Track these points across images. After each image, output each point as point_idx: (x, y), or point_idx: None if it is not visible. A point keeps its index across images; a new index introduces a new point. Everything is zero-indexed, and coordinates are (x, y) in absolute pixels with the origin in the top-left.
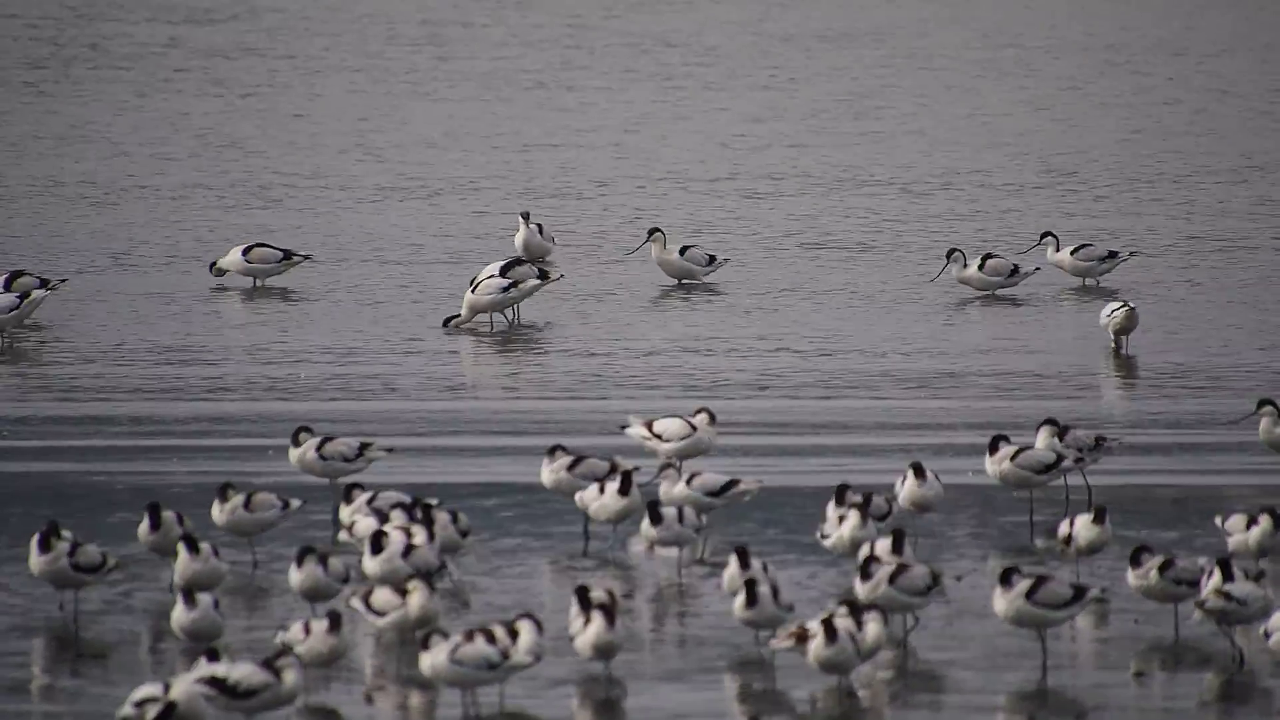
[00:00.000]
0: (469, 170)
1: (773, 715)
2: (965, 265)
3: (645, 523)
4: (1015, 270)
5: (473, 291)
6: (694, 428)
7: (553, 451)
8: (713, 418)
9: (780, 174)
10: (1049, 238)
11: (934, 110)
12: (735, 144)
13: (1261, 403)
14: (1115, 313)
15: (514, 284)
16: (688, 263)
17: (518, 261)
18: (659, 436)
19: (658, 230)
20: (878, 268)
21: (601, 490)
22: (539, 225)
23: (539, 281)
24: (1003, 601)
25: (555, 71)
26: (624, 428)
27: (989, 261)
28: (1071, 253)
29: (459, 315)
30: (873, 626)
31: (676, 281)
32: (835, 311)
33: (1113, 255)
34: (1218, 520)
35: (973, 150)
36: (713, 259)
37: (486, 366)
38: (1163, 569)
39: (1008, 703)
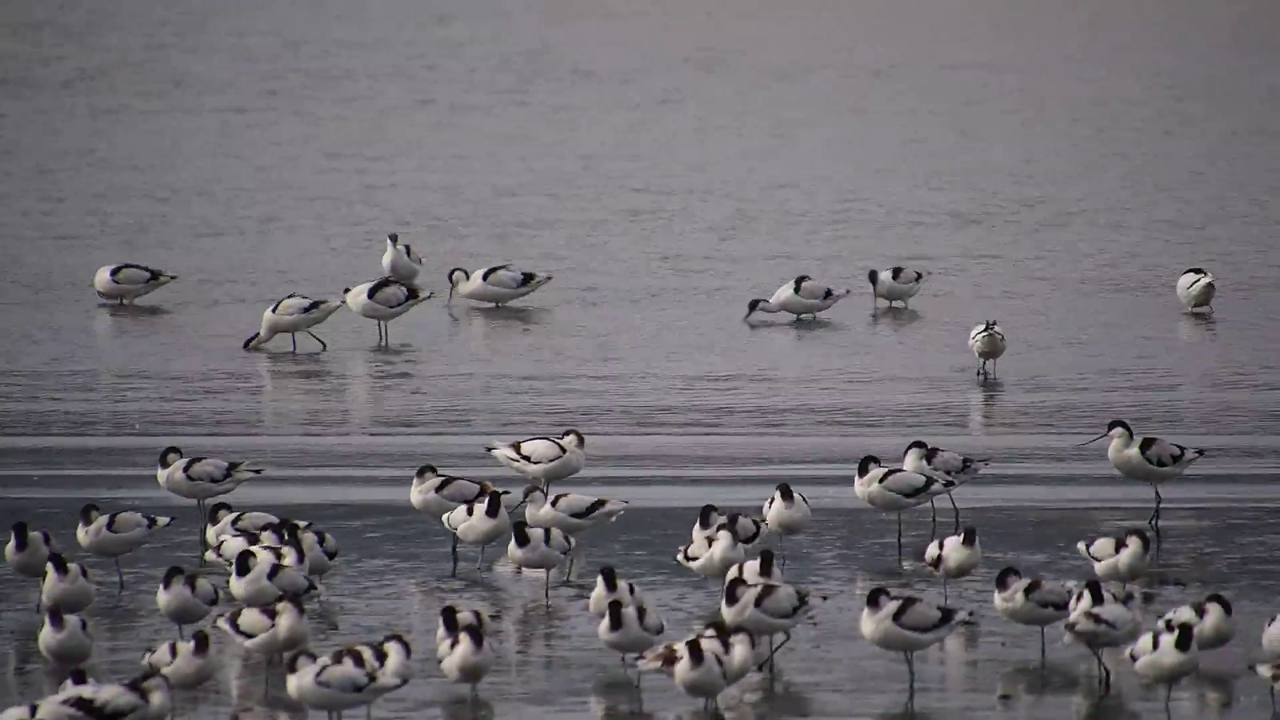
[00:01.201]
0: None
1: None
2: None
3: (512, 544)
4: (829, 293)
5: (273, 311)
6: (563, 449)
7: (422, 473)
8: (581, 439)
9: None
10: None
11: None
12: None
13: (1113, 424)
14: (978, 336)
15: (315, 305)
16: (493, 286)
17: (386, 283)
18: (527, 458)
19: (457, 270)
20: (734, 299)
21: (470, 511)
22: (407, 247)
23: (340, 303)
24: (870, 623)
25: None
26: (490, 450)
27: (805, 284)
28: (893, 276)
29: (259, 335)
30: (739, 649)
31: (494, 305)
32: (698, 337)
33: (919, 276)
34: (1081, 547)
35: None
36: (529, 278)
37: (351, 396)
38: (1029, 591)
39: None
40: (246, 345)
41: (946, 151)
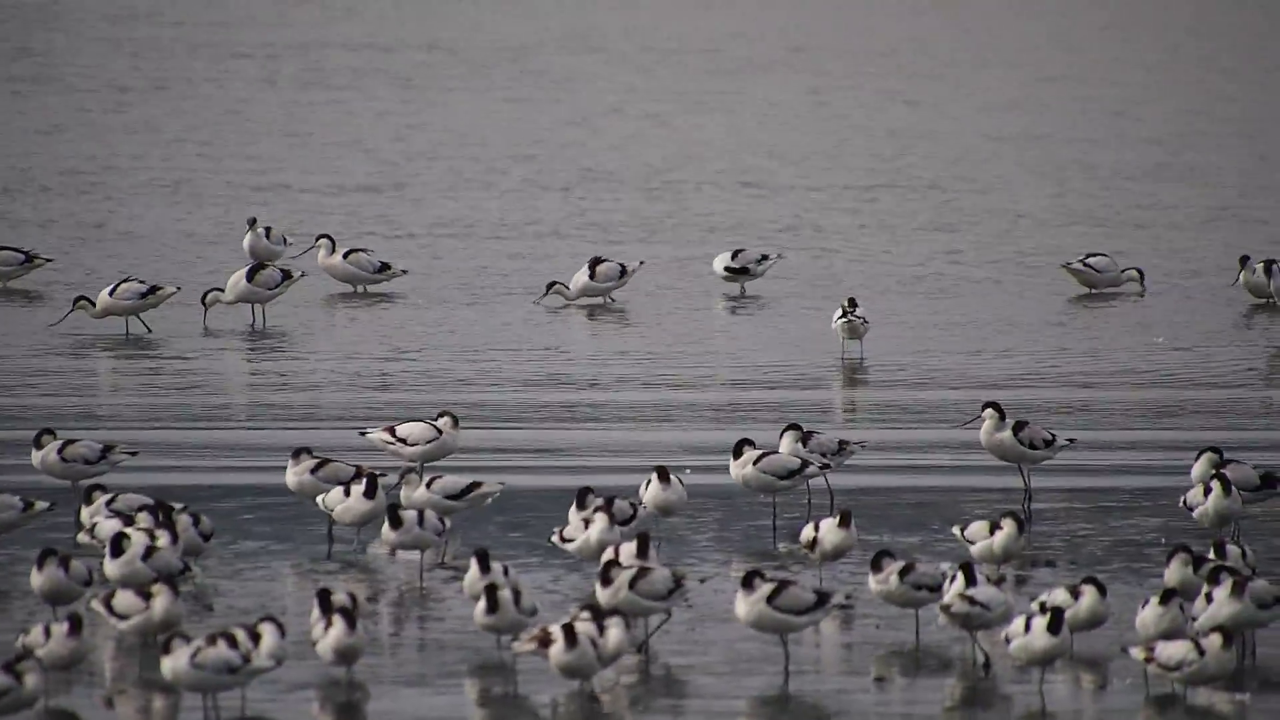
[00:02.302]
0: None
1: None
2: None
3: (386, 526)
4: (623, 271)
5: (110, 294)
6: (439, 431)
7: (297, 454)
8: (456, 421)
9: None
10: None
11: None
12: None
13: (985, 405)
14: (839, 320)
15: (152, 290)
16: (352, 267)
17: (261, 266)
18: (403, 440)
19: (324, 236)
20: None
21: (346, 493)
22: (267, 229)
23: (175, 290)
24: (744, 606)
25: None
26: (364, 433)
27: (600, 267)
28: (732, 257)
29: (81, 308)
30: (614, 631)
31: (353, 288)
32: (567, 320)
33: (764, 257)
34: (956, 530)
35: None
36: (385, 266)
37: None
38: (903, 574)
39: (749, 707)
40: (62, 319)
41: (852, 130)
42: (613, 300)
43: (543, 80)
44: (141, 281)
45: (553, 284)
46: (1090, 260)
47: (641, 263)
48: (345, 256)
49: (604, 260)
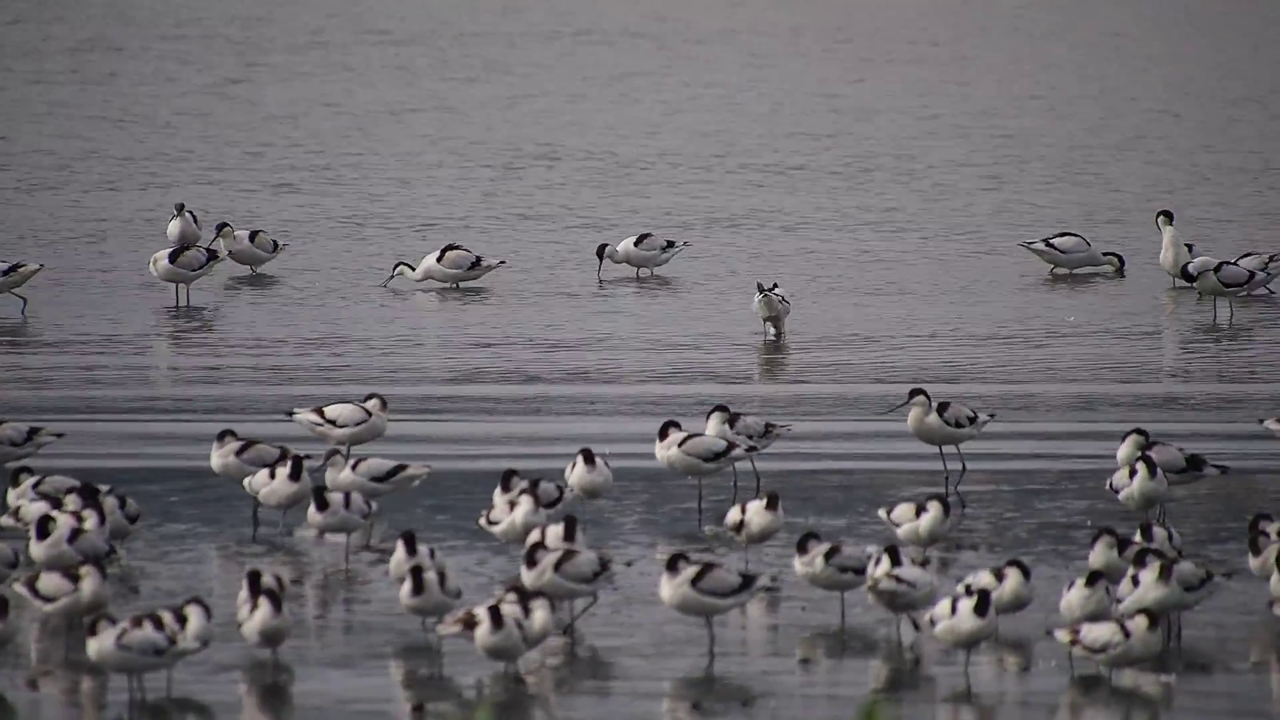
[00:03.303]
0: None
1: (439, 702)
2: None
3: (312, 508)
4: (476, 263)
5: None
6: (368, 413)
7: (222, 436)
8: (384, 403)
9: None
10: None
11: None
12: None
13: (914, 392)
14: (758, 299)
15: (14, 268)
16: (257, 249)
17: (184, 249)
18: (332, 422)
19: (225, 225)
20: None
21: (272, 475)
22: (193, 214)
23: (38, 267)
24: (669, 588)
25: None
26: (291, 414)
27: (449, 254)
28: (635, 243)
29: None
30: (539, 613)
31: (250, 270)
32: (492, 304)
33: (670, 244)
34: (882, 513)
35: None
36: (275, 245)
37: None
38: (829, 556)
39: (674, 689)
40: None
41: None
42: (456, 287)
43: (465, 64)
44: (3, 260)
45: (399, 264)
46: (1056, 240)
47: (502, 261)
48: (251, 239)
49: (457, 248)
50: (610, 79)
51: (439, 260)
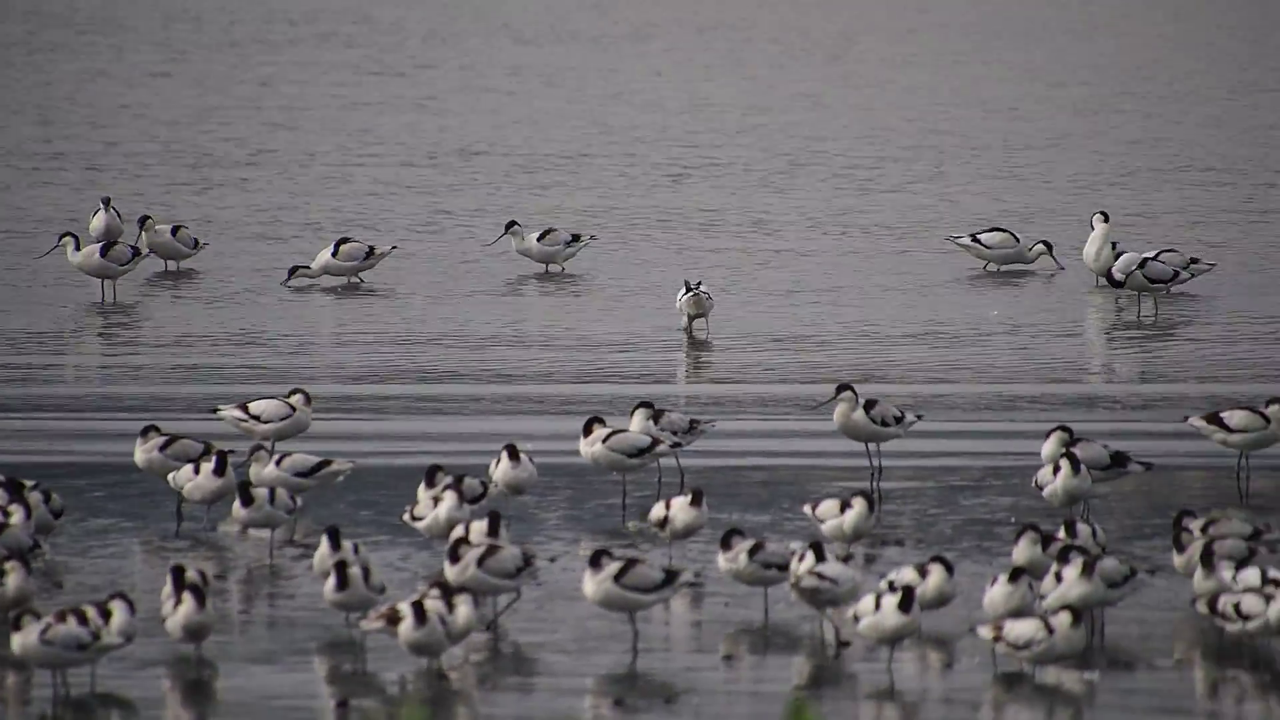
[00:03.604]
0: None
1: (363, 697)
2: (524, 239)
3: (236, 504)
4: (370, 253)
5: None
6: (292, 408)
7: (146, 432)
8: (308, 398)
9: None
10: (515, 226)
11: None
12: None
13: (840, 388)
14: (685, 296)
15: None
16: (178, 244)
17: (112, 244)
18: (257, 418)
19: (147, 218)
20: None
21: (196, 471)
22: (117, 210)
23: None
24: (592, 584)
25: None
26: (216, 410)
27: (343, 247)
28: (539, 239)
29: None
30: (463, 609)
31: (170, 265)
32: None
33: (575, 239)
34: (807, 509)
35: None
36: (196, 242)
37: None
38: (753, 552)
39: (597, 685)
40: None
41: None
42: (361, 280)
43: (383, 60)
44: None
45: (295, 268)
46: (983, 236)
47: (394, 247)
48: (174, 233)
49: (350, 240)
50: (539, 76)
51: (334, 255)
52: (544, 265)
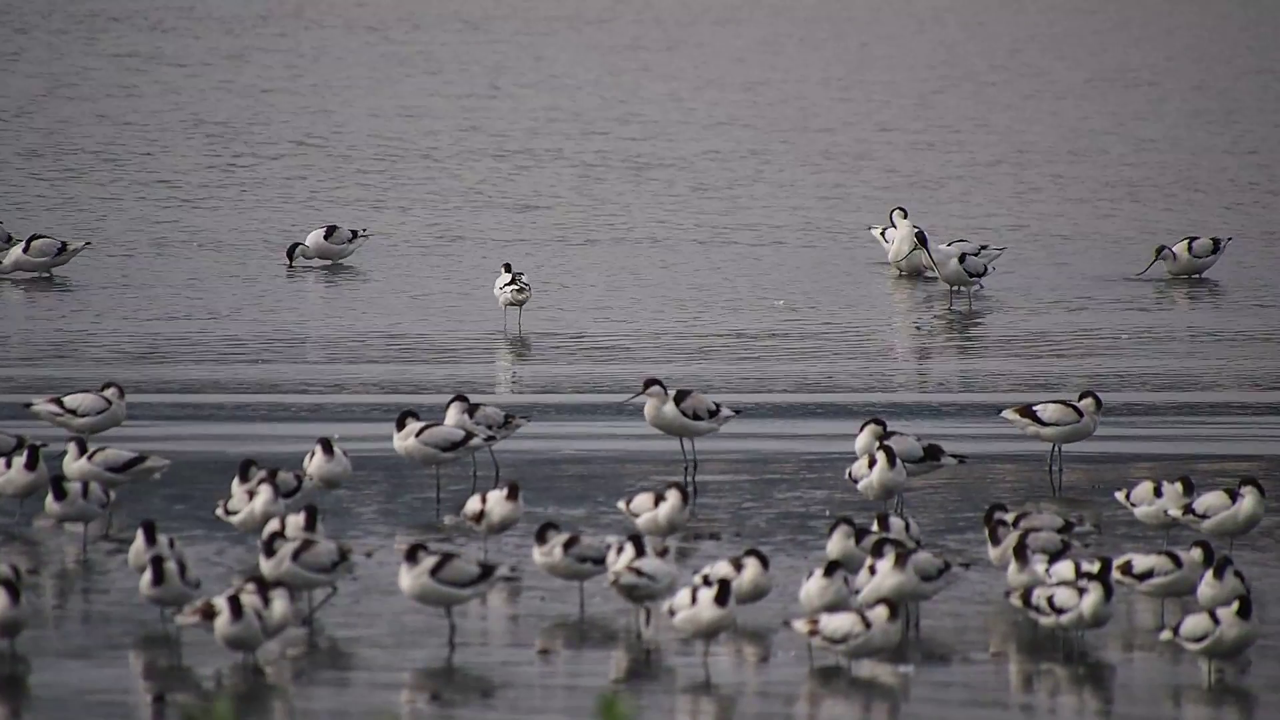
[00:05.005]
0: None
1: (178, 692)
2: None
3: (49, 498)
4: (63, 248)
5: None
6: (108, 402)
7: None
8: (122, 391)
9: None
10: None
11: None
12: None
13: (649, 382)
14: (505, 288)
15: None
16: (35, 257)
17: (37, 235)
18: (72, 411)
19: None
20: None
21: (8, 464)
22: None
23: None
24: (408, 578)
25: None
26: (29, 405)
27: (35, 243)
28: (325, 236)
29: None
30: (279, 604)
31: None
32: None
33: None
34: (621, 503)
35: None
36: (63, 247)
37: None
38: (567, 546)
39: (414, 680)
40: None
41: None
42: (49, 275)
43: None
44: (25, 252)
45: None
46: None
47: (88, 244)
48: (25, 249)
49: (43, 236)
50: (367, 66)
51: (25, 251)
52: (334, 262)
